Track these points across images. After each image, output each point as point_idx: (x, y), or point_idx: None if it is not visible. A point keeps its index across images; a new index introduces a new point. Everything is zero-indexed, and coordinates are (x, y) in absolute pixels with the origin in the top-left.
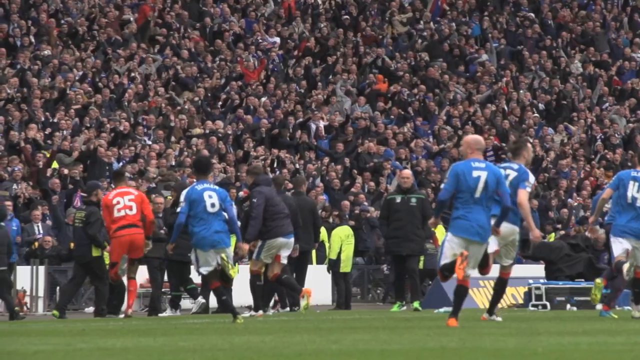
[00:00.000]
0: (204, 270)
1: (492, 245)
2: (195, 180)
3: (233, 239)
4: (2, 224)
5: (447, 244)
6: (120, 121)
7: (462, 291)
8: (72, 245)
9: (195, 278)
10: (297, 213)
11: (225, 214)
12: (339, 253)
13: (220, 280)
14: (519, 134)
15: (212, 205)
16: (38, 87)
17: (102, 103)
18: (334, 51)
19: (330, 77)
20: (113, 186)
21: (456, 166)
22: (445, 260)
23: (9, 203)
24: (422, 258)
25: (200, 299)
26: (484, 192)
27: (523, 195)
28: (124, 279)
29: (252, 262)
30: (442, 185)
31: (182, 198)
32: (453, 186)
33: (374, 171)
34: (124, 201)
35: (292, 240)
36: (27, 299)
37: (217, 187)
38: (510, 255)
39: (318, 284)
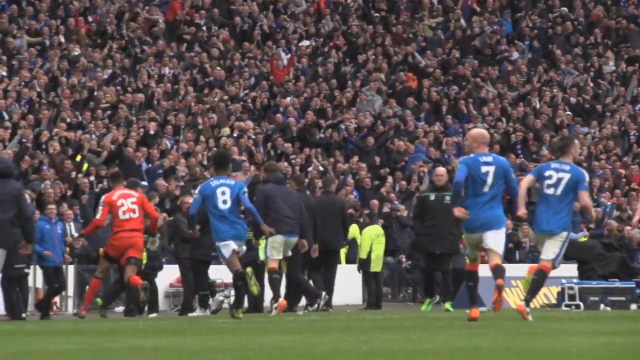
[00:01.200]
0: (226, 253)
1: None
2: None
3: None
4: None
5: (465, 239)
6: (149, 121)
7: (470, 276)
8: (101, 250)
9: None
10: (316, 213)
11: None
12: (369, 252)
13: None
14: (552, 133)
15: (224, 202)
16: (67, 87)
17: (132, 102)
18: (364, 50)
19: (359, 75)
20: (111, 186)
21: (465, 159)
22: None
23: (52, 207)
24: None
25: (218, 297)
26: (493, 186)
27: (586, 196)
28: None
29: (267, 262)
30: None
31: (196, 190)
32: (465, 172)
33: (411, 176)
34: (128, 204)
35: (292, 239)
36: (56, 299)
37: (232, 182)
38: (550, 251)
39: (348, 284)
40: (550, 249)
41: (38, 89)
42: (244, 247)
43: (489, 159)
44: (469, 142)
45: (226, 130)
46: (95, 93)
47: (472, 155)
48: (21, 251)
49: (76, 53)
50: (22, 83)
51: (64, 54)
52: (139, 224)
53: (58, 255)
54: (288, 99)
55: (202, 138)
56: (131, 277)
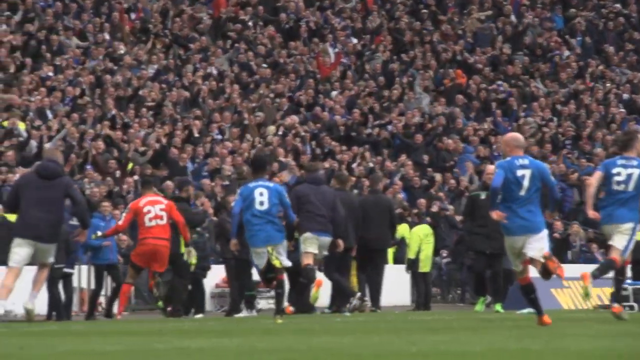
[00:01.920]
0: (260, 264)
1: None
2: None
3: None
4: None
5: (505, 243)
6: (194, 119)
7: (528, 289)
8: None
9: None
10: (358, 212)
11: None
12: (418, 252)
13: (273, 273)
14: (605, 130)
15: (261, 203)
16: (111, 85)
17: (177, 100)
18: (412, 47)
19: (408, 72)
20: (140, 192)
21: (501, 163)
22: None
23: (106, 204)
24: None
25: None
26: (530, 189)
27: None
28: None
29: (301, 258)
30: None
31: (237, 192)
32: (503, 176)
33: (459, 177)
34: (155, 210)
35: (325, 238)
36: (101, 299)
37: (271, 184)
38: (619, 243)
39: (396, 284)
40: (618, 241)
41: (83, 87)
42: (287, 262)
43: (525, 162)
44: (503, 147)
45: (272, 129)
46: (140, 92)
47: (508, 158)
48: (77, 239)
49: (121, 52)
50: (67, 81)
51: (109, 51)
52: (166, 231)
53: (112, 252)
54: (333, 93)
55: (248, 136)
56: (150, 284)
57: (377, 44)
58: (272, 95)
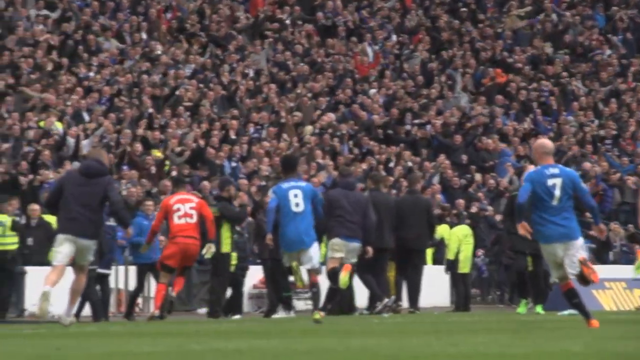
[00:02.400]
0: (286, 262)
1: None
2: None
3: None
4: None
5: (544, 253)
6: (231, 119)
7: (570, 295)
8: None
9: None
10: (394, 212)
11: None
12: (457, 253)
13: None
14: None
15: (297, 204)
16: (148, 85)
17: (214, 100)
18: (450, 45)
19: (447, 71)
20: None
21: (530, 174)
22: (549, 269)
23: (149, 203)
24: None
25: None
26: (562, 198)
27: None
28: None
29: (327, 263)
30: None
31: (270, 191)
32: (529, 190)
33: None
34: (185, 208)
35: (354, 244)
36: (139, 300)
37: (304, 184)
38: None
39: (436, 286)
40: None
41: (120, 87)
42: (316, 265)
43: (556, 170)
44: (533, 154)
45: (309, 129)
46: (177, 92)
47: (538, 167)
48: (124, 237)
49: (158, 52)
50: (104, 81)
51: (145, 51)
52: (196, 230)
53: (155, 251)
54: (372, 91)
55: (285, 136)
56: (176, 282)
57: (416, 43)
58: (309, 94)
